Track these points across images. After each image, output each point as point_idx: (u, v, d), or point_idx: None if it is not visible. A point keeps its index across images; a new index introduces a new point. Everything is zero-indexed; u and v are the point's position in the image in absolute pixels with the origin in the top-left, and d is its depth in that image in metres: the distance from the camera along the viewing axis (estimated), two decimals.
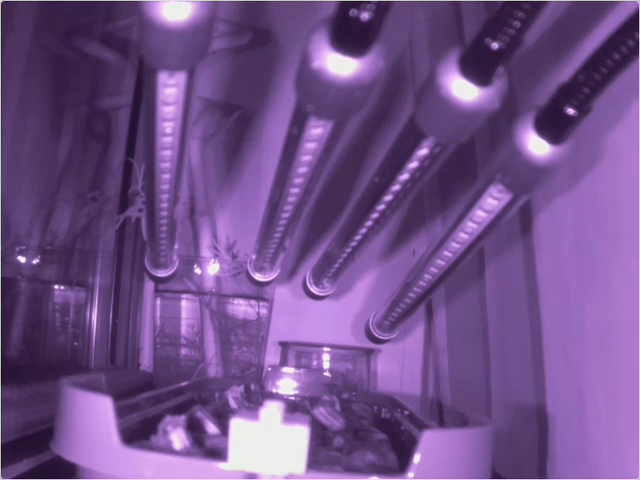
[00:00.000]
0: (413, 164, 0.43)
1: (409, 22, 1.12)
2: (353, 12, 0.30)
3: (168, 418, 0.48)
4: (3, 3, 0.79)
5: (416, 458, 0.41)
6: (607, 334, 0.60)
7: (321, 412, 0.65)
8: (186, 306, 1.11)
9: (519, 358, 0.83)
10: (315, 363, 1.11)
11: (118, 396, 0.44)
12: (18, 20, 1.02)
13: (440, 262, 0.54)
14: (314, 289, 0.79)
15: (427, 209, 1.12)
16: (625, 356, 0.57)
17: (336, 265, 0.70)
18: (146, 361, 1.21)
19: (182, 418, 0.49)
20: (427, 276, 0.58)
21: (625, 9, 0.38)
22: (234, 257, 1.09)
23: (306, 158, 0.44)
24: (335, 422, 0.64)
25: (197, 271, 1.09)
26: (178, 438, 0.46)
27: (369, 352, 1.10)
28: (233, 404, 0.71)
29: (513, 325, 0.86)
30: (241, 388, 0.75)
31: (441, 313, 1.11)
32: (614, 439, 0.58)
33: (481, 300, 0.95)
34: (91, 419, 0.43)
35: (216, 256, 1.10)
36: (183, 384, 0.72)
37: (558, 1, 0.31)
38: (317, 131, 0.40)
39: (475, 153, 0.82)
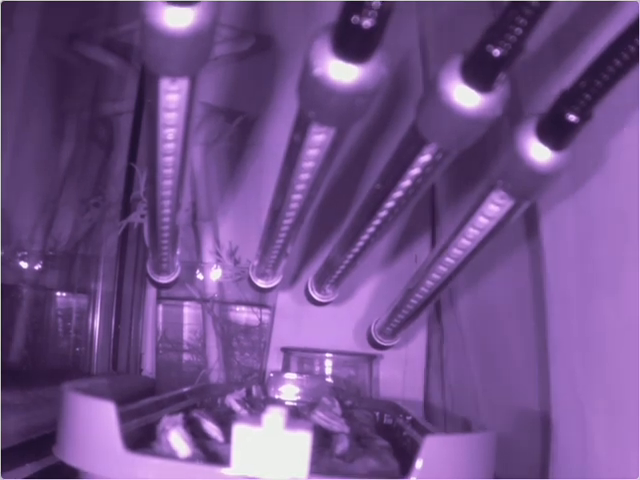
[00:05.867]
0: (415, 170, 0.43)
1: (414, 27, 1.12)
2: (355, 19, 0.30)
3: (166, 418, 0.49)
4: (3, 3, 0.79)
5: (418, 463, 0.41)
6: (608, 341, 0.60)
7: (319, 416, 0.65)
8: (188, 312, 1.11)
9: (524, 365, 0.83)
10: (317, 369, 1.11)
11: (121, 401, 0.44)
12: (20, 25, 1.02)
13: (442, 268, 0.54)
14: (316, 295, 0.79)
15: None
16: (626, 362, 0.57)
17: (338, 271, 0.70)
18: (148, 367, 1.21)
19: (179, 417, 0.49)
20: (429, 282, 0.58)
21: (626, 15, 0.38)
22: (236, 263, 1.09)
23: (308, 164, 0.44)
24: (335, 423, 0.64)
25: (199, 277, 1.09)
26: (177, 436, 0.46)
27: (371, 358, 1.10)
28: (235, 406, 0.71)
29: (517, 332, 0.86)
30: (242, 392, 0.75)
31: (450, 319, 1.11)
32: (613, 442, 0.58)
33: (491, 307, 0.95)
34: (94, 424, 0.43)
35: (218, 262, 1.10)
36: (185, 390, 0.72)
37: (559, 1, 0.31)
38: (319, 137, 0.40)
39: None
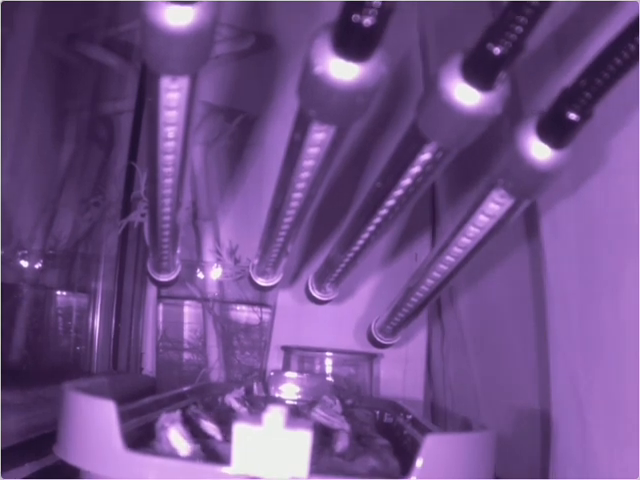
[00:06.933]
0: (415, 169, 0.43)
1: (415, 25, 1.12)
2: (355, 17, 0.30)
3: (164, 415, 0.49)
4: (3, 3, 0.79)
5: (418, 462, 0.41)
6: (608, 340, 0.61)
7: (320, 414, 0.65)
8: (189, 311, 1.11)
9: (524, 365, 0.83)
10: (318, 368, 1.11)
11: (121, 400, 0.44)
12: (20, 24, 1.02)
13: (442, 267, 0.54)
14: (316, 293, 0.79)
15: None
16: (626, 362, 0.57)
17: (338, 269, 0.70)
18: (149, 366, 1.21)
19: (177, 413, 0.49)
20: (429, 280, 0.58)
21: (627, 14, 0.38)
22: (236, 261, 1.09)
23: (308, 163, 0.44)
24: (335, 420, 0.64)
25: (200, 275, 1.09)
26: (177, 433, 0.46)
27: (371, 357, 1.10)
28: (235, 404, 0.71)
29: (517, 331, 0.86)
30: (242, 390, 0.75)
31: (450, 318, 1.11)
32: (613, 442, 0.58)
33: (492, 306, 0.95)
34: (94, 423, 0.43)
35: (219, 260, 1.10)
36: (185, 388, 0.72)
37: (560, 1, 0.31)
38: (319, 136, 0.40)
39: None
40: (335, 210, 0.88)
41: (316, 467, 0.41)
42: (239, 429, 0.39)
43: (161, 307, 1.12)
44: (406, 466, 0.42)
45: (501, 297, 0.92)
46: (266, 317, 1.11)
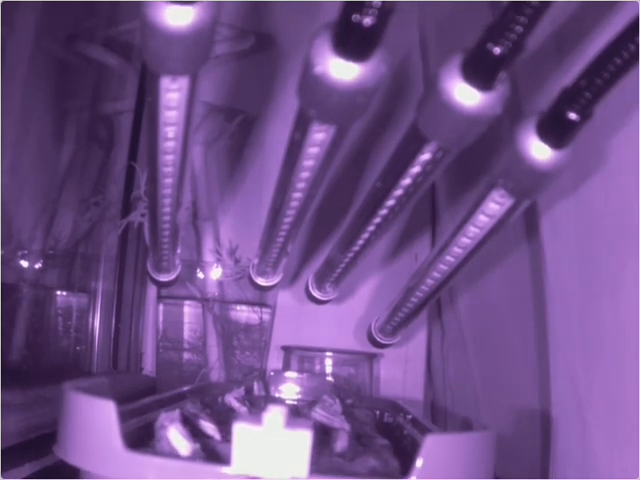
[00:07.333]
0: (415, 169, 0.43)
1: (415, 25, 1.12)
2: (355, 17, 0.30)
3: (164, 414, 0.49)
4: (3, 3, 0.79)
5: (418, 462, 0.41)
6: (608, 340, 0.61)
7: (320, 413, 0.65)
8: (189, 311, 1.11)
9: (524, 365, 0.83)
10: (318, 368, 1.11)
11: (121, 400, 0.44)
12: (20, 24, 1.02)
13: (442, 266, 0.54)
14: (316, 293, 0.79)
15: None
16: (626, 362, 0.57)
17: (338, 269, 0.69)
18: (149, 365, 1.21)
19: (177, 412, 0.49)
20: (429, 280, 0.58)
21: (627, 14, 0.38)
22: (236, 261, 1.09)
23: (309, 163, 0.44)
24: (335, 419, 0.64)
25: (200, 275, 1.09)
26: (176, 432, 0.46)
27: (372, 357, 1.10)
28: (235, 404, 0.71)
29: (517, 331, 0.86)
30: (242, 390, 0.75)
31: (450, 318, 1.11)
32: (613, 442, 0.58)
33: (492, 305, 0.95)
34: (94, 423, 0.43)
35: (219, 260, 1.10)
36: (185, 388, 0.72)
37: (560, 0, 0.31)
38: (319, 136, 0.40)
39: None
40: (335, 210, 0.88)
41: (316, 467, 0.41)
42: (239, 429, 0.39)
43: (161, 307, 1.12)
44: (406, 466, 0.42)
45: (501, 297, 0.92)
46: (266, 317, 1.11)
